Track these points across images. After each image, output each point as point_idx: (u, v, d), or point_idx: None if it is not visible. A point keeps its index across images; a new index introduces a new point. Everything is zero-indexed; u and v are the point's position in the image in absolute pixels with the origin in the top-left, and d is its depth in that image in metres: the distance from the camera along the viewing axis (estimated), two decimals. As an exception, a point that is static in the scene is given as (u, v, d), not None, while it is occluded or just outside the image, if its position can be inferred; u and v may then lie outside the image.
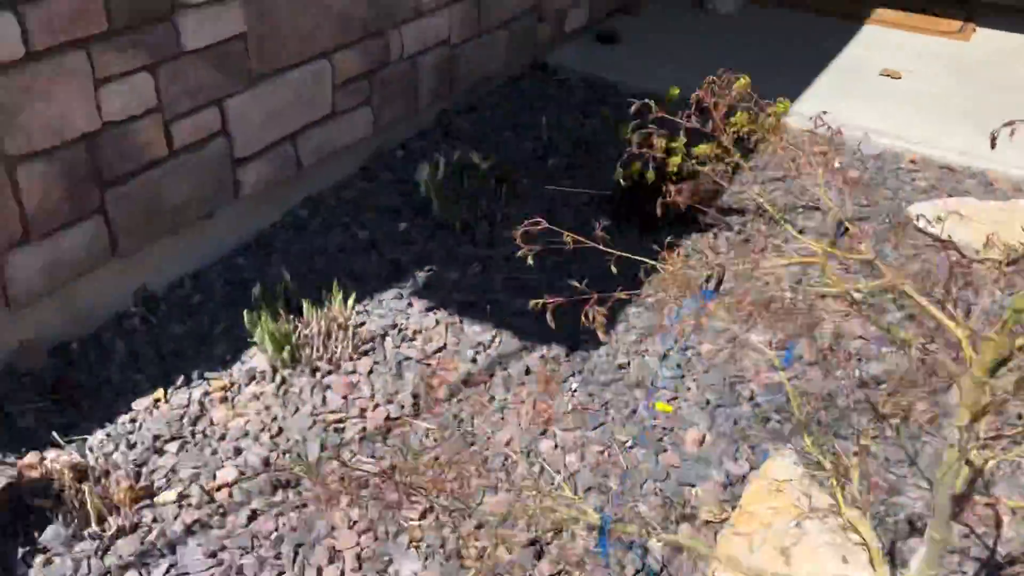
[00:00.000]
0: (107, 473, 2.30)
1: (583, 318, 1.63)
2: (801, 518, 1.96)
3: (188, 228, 3.01)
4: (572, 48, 4.88)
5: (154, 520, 2.22)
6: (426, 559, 2.14)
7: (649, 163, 3.13)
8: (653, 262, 1.72)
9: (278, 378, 2.68)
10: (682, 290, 2.90)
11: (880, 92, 4.56)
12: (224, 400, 2.61)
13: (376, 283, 3.10)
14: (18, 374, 2.62)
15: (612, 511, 2.20)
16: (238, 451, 2.44)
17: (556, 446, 2.46)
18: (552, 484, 2.32)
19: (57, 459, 2.32)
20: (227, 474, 2.35)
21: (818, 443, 1.96)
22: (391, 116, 3.74)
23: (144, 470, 2.36)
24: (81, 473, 2.27)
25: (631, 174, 3.23)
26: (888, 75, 4.76)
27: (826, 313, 2.39)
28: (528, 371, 2.74)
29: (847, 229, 1.68)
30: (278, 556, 2.15)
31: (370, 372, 2.73)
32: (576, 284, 1.69)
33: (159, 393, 2.61)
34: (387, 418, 2.57)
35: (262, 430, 2.51)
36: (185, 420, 2.52)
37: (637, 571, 2.08)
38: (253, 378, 2.69)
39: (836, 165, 2.16)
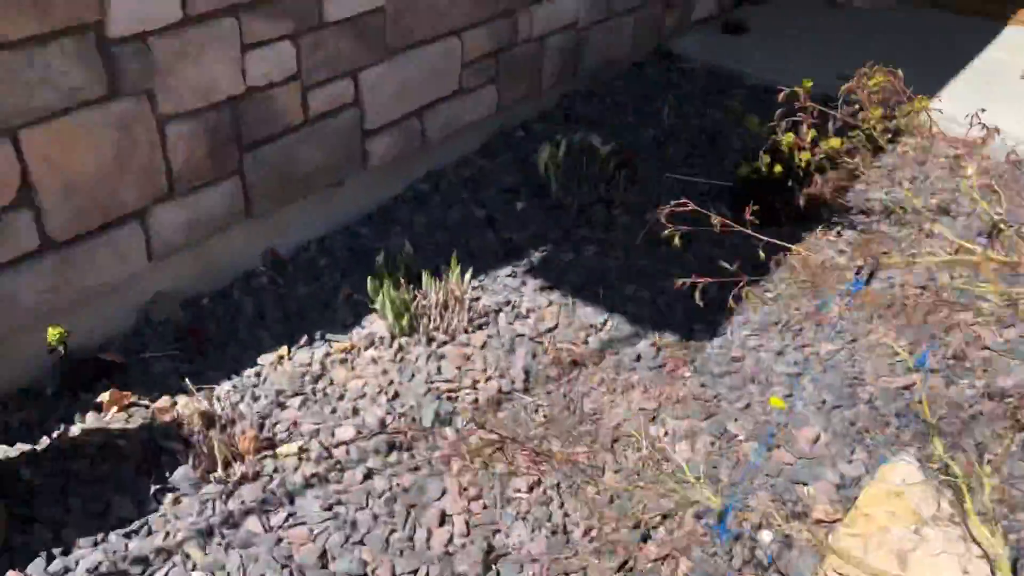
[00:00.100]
0: (233, 422, 2.41)
1: (698, 300, 1.61)
2: (920, 524, 1.91)
3: (317, 195, 3.12)
4: (697, 37, 4.81)
5: (275, 470, 2.32)
6: (533, 531, 2.18)
7: (776, 156, 3.09)
8: (793, 246, 1.69)
9: (396, 345, 2.75)
10: (816, 283, 2.85)
11: (1022, 95, 4.36)
12: (344, 362, 2.69)
13: (492, 260, 3.14)
14: (154, 323, 2.76)
15: (722, 502, 2.19)
16: (356, 411, 2.52)
17: (666, 433, 2.46)
18: (661, 470, 2.32)
19: (187, 405, 2.45)
20: (345, 432, 2.43)
21: (946, 451, 1.90)
22: (514, 96, 3.77)
23: (267, 422, 2.46)
24: (209, 420, 2.39)
25: (757, 167, 3.18)
26: (1031, 78, 4.53)
27: (961, 318, 2.31)
28: (639, 357, 2.74)
29: (1000, 231, 1.62)
30: (391, 514, 2.21)
31: (483, 346, 2.77)
32: (690, 274, 1.68)
33: (283, 350, 2.71)
34: (498, 391, 2.61)
35: (379, 393, 2.58)
36: (307, 378, 2.62)
37: (745, 562, 2.07)
38: (372, 343, 2.77)
39: (980, 167, 2.08)
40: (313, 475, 2.30)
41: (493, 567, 2.10)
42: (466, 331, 2.82)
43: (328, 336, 2.80)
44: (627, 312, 2.91)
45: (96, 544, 2.12)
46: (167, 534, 2.15)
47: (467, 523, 2.21)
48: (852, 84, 1.84)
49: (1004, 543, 1.70)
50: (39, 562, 2.07)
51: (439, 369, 2.68)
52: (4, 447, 2.34)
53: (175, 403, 2.48)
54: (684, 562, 2.08)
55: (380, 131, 3.23)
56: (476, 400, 2.58)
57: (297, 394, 2.56)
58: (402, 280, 2.87)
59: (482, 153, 3.73)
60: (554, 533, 2.18)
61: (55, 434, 2.39)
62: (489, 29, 3.48)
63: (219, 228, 2.84)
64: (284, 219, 3.05)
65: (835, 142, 2.87)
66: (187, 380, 2.51)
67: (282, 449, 2.37)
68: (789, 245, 1.77)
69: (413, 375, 2.65)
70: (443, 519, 2.21)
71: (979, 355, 2.69)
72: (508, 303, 2.95)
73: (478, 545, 2.14)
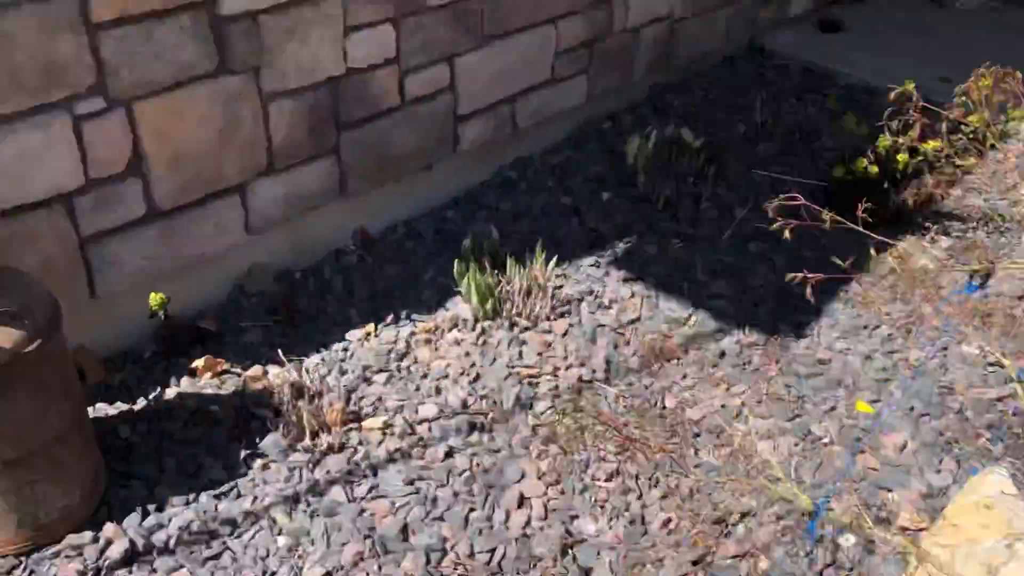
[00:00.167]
0: (320, 394, 2.47)
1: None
2: (1014, 539, 1.86)
3: (407, 177, 3.16)
4: (792, 33, 4.72)
5: (359, 443, 2.38)
6: (611, 519, 2.19)
7: (872, 157, 3.02)
8: (895, 242, 1.65)
9: (478, 328, 2.78)
10: (909, 287, 2.79)
11: None
12: (428, 342, 2.74)
13: (575, 249, 3.15)
14: (248, 294, 2.84)
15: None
16: (438, 390, 2.56)
17: (749, 431, 2.44)
18: (748, 466, 2.31)
19: (278, 375, 2.52)
20: (428, 410, 2.47)
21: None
22: (604, 86, 3.76)
23: (353, 396, 2.52)
24: (298, 391, 2.46)
25: (853, 168, 3.11)
26: None
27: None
28: (723, 354, 2.72)
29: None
30: (470, 493, 2.25)
31: (565, 334, 2.79)
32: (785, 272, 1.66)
33: (370, 327, 2.77)
34: (579, 380, 2.62)
35: (461, 374, 2.62)
36: (392, 355, 2.67)
37: (826, 565, 2.04)
38: (455, 325, 2.81)
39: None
40: (396, 450, 2.35)
41: (570, 552, 2.12)
42: (548, 318, 2.84)
43: (413, 316, 2.84)
44: (712, 308, 2.89)
45: (188, 503, 2.21)
46: (255, 498, 2.22)
47: (545, 507, 2.23)
48: (967, 84, 1.79)
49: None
50: (134, 517, 2.16)
51: (520, 354, 2.70)
52: (104, 405, 2.45)
53: (266, 372, 2.56)
54: (763, 560, 2.06)
55: (472, 117, 3.26)
56: (556, 387, 2.59)
57: (382, 370, 2.62)
58: (487, 264, 2.89)
59: (570, 142, 3.74)
60: (632, 523, 2.18)
61: (151, 396, 2.49)
62: (585, 18, 3.48)
63: (313, 205, 2.91)
64: (374, 199, 3.11)
65: (934, 145, 2.80)
66: (279, 351, 2.58)
67: (367, 423, 2.42)
68: (892, 241, 1.73)
69: (495, 359, 2.68)
70: (521, 501, 2.24)
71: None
72: (591, 292, 2.96)
73: (555, 529, 2.16)
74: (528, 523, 2.18)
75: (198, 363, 2.56)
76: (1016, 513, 1.95)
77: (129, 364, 2.60)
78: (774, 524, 2.14)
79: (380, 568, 2.06)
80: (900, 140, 2.12)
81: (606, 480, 2.29)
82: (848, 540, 2.08)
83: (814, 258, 3.00)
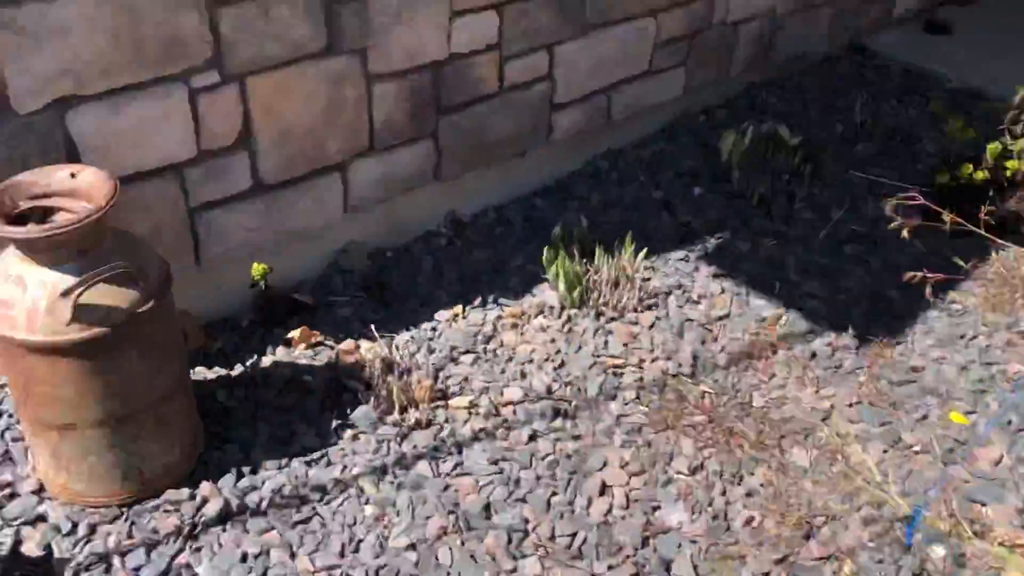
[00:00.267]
0: (410, 371, 2.52)
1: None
2: (1117, 562, 1.80)
3: (500, 163, 3.19)
4: (896, 34, 4.60)
5: (446, 421, 2.42)
6: (693, 513, 2.18)
7: (979, 163, 2.93)
8: (1005, 246, 1.61)
9: (565, 315, 2.80)
10: (1011, 298, 2.72)
11: None
12: (514, 326, 2.76)
13: (665, 243, 3.14)
14: (342, 270, 2.91)
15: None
16: (523, 374, 2.59)
17: (837, 435, 2.41)
18: (846, 467, 2.28)
19: (370, 349, 2.58)
20: (513, 393, 2.50)
21: None
22: (701, 80, 3.73)
23: (441, 375, 2.56)
24: (388, 366, 2.51)
25: (958, 174, 3.03)
26: None
27: None
28: (814, 355, 2.68)
29: None
30: (553, 477, 2.27)
31: (651, 326, 2.78)
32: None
33: (458, 309, 2.81)
34: (664, 373, 2.62)
35: (546, 360, 2.64)
36: (479, 337, 2.71)
37: (915, 574, 2.01)
38: (541, 311, 2.83)
39: None
40: (481, 430, 2.39)
41: (651, 542, 2.12)
42: (635, 310, 2.84)
43: (500, 300, 2.87)
44: (803, 308, 2.85)
45: (280, 468, 2.28)
46: (344, 467, 2.28)
47: (627, 496, 2.24)
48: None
49: None
50: (229, 478, 2.24)
51: (606, 344, 2.71)
52: (204, 369, 2.54)
53: (358, 346, 2.62)
54: (848, 564, 2.04)
55: (568, 106, 3.27)
56: (641, 379, 2.59)
57: (469, 352, 2.66)
58: (575, 253, 2.91)
59: (663, 135, 3.72)
60: (715, 518, 2.18)
61: (248, 363, 2.58)
62: (686, 11, 3.45)
63: (409, 187, 2.96)
64: (467, 184, 3.15)
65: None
66: (371, 327, 2.64)
67: (454, 401, 2.47)
68: (1007, 244, 1.69)
69: (580, 347, 2.69)
70: (603, 489, 2.25)
71: None
72: (679, 286, 2.95)
73: (637, 519, 2.17)
74: (610, 511, 2.20)
75: (294, 334, 2.63)
76: (1120, 536, 1.89)
77: (228, 331, 2.69)
78: (861, 529, 2.11)
79: (463, 543, 2.10)
80: (1012, 145, 2.05)
81: (689, 473, 2.29)
82: (937, 552, 2.04)
83: (910, 264, 2.93)
